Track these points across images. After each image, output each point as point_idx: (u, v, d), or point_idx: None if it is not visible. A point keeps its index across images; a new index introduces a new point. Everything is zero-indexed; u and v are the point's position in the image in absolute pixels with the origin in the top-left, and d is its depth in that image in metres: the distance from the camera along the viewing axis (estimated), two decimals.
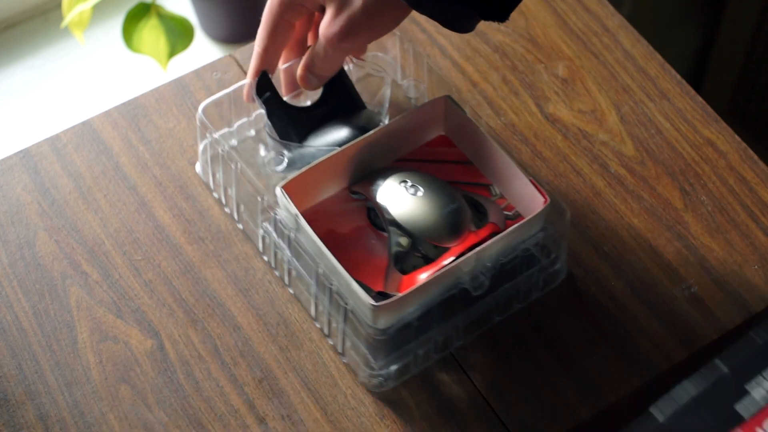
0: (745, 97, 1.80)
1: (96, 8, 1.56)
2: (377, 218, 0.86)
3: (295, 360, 0.85)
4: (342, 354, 0.85)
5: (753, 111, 1.80)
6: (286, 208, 0.83)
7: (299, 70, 0.87)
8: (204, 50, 1.69)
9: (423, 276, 0.81)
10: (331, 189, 0.87)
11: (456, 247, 0.82)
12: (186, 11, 1.69)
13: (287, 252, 0.85)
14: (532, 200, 0.84)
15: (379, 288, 0.82)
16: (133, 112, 0.97)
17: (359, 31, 0.82)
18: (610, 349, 0.85)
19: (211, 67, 0.99)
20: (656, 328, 0.86)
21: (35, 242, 0.90)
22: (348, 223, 0.86)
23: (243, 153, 0.93)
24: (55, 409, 0.83)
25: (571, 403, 0.83)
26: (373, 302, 0.77)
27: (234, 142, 0.94)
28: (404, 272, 0.82)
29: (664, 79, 1.00)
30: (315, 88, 0.88)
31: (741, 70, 1.77)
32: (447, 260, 0.81)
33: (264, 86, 0.88)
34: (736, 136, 0.97)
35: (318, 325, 0.86)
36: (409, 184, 0.84)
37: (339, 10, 0.82)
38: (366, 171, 0.87)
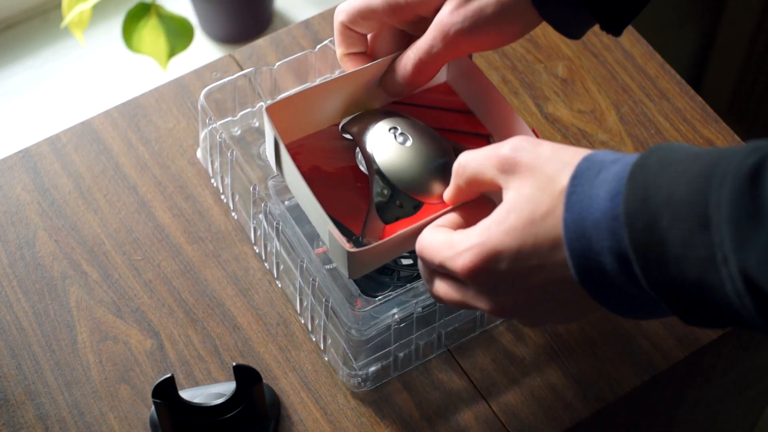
0: (745, 97, 1.80)
1: (96, 8, 1.56)
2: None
3: (294, 360, 0.85)
4: (324, 351, 0.85)
5: (753, 111, 1.80)
6: (267, 131, 0.77)
7: (395, 70, 0.76)
8: (204, 50, 1.69)
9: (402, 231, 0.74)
10: (320, 122, 0.82)
11: (435, 205, 0.77)
12: (186, 11, 1.69)
13: (276, 243, 0.84)
14: None
15: (358, 232, 0.77)
16: (132, 112, 0.97)
17: (487, 29, 0.71)
18: (610, 349, 0.85)
19: (211, 67, 0.99)
20: (656, 328, 0.86)
21: (35, 242, 0.90)
22: (335, 161, 0.81)
23: (245, 143, 0.93)
24: (55, 409, 0.83)
25: (571, 403, 0.83)
26: (349, 248, 0.72)
27: (237, 131, 0.93)
28: (386, 222, 0.77)
29: (664, 79, 1.00)
30: (399, 96, 0.80)
31: (741, 70, 1.77)
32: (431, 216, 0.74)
33: (165, 391, 0.77)
34: (736, 136, 0.96)
35: (302, 321, 0.86)
36: (399, 131, 0.78)
37: (465, 1, 0.70)
38: (359, 108, 0.82)
